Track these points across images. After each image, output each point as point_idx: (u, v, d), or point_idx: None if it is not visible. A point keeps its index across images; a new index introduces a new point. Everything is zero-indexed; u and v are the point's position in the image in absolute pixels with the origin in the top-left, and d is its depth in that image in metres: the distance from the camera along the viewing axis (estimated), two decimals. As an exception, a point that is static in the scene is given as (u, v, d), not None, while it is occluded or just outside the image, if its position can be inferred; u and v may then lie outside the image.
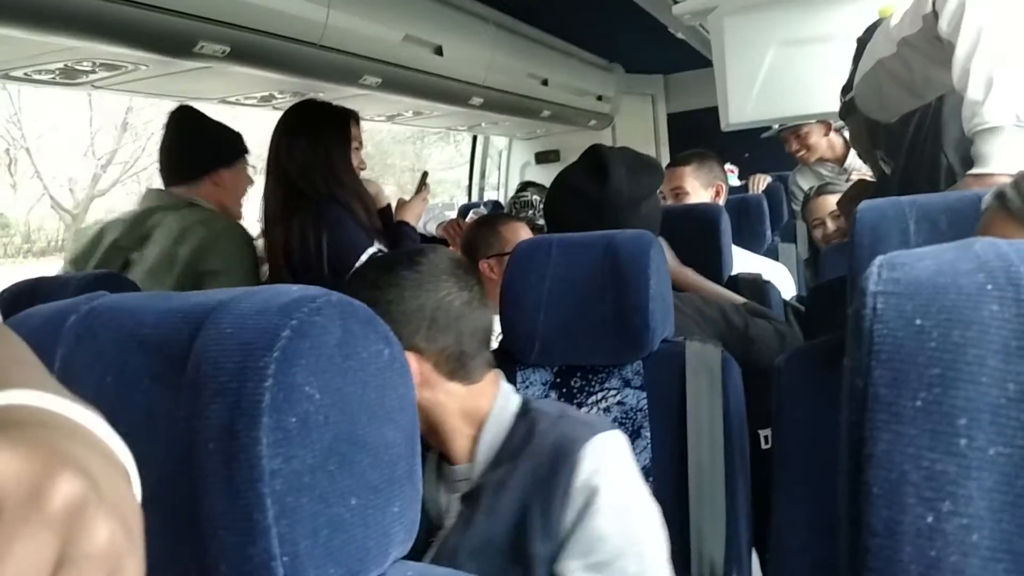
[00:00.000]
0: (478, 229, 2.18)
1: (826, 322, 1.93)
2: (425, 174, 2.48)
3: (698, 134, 5.34)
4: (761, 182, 3.77)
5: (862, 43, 1.75)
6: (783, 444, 1.14)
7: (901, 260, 0.41)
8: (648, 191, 1.59)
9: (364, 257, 2.02)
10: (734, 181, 4.02)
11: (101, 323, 0.46)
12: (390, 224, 2.29)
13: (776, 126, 3.30)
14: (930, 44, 1.37)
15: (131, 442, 0.43)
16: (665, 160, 5.48)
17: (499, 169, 5.34)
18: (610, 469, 0.98)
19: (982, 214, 0.88)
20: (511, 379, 1.30)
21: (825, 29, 2.03)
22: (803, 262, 3.02)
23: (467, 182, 5.42)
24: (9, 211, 18.74)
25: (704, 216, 1.95)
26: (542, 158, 5.40)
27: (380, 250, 2.07)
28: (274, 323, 0.41)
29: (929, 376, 0.38)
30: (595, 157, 1.61)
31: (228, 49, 1.95)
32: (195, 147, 2.10)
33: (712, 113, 5.19)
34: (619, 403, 1.26)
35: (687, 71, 5.11)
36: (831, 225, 2.83)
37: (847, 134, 3.16)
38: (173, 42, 1.85)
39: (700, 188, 2.35)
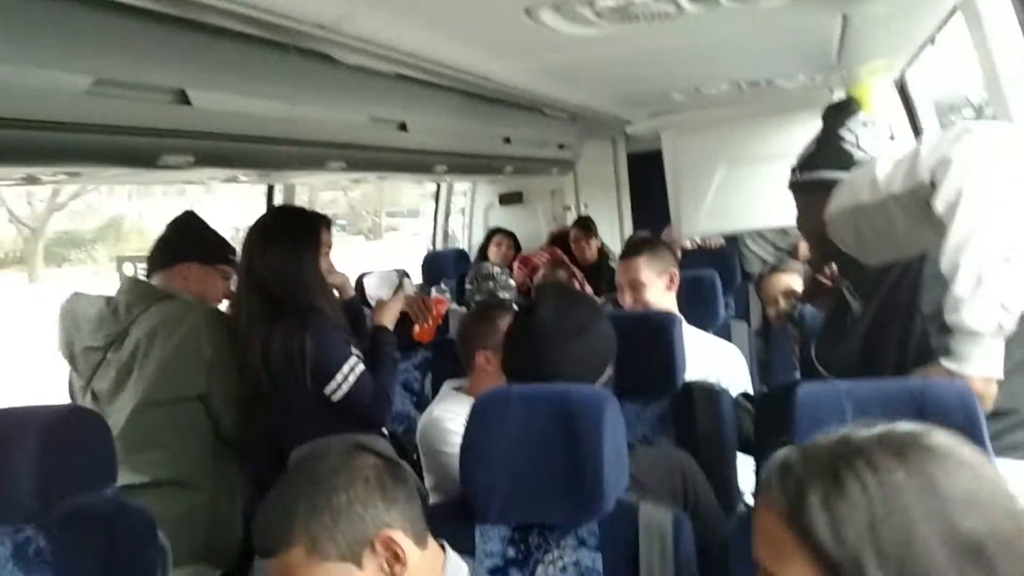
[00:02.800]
0: (475, 320, 2.24)
1: (774, 429, 2.00)
2: (403, 274, 2.53)
3: (657, 174, 5.46)
4: (716, 241, 3.87)
5: (828, 119, 1.74)
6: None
7: None
8: (579, 326, 1.60)
9: (345, 368, 2.07)
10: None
11: None
12: (358, 315, 2.34)
13: None
14: (920, 208, 1.35)
15: None
16: (626, 201, 5.62)
17: (463, 212, 5.39)
18: None
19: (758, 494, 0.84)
20: (469, 534, 1.35)
21: (773, 148, 2.11)
22: (755, 333, 3.11)
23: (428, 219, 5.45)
24: (-37, 223, 18.34)
25: (657, 325, 2.00)
26: (506, 200, 5.47)
27: (359, 357, 2.12)
28: None
29: None
30: (533, 298, 1.68)
31: (193, 159, 1.96)
32: (175, 237, 2.26)
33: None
34: (575, 563, 1.31)
35: (647, 113, 5.22)
36: (783, 303, 2.92)
37: None
38: (136, 159, 1.86)
39: (655, 277, 2.42)
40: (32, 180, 1.98)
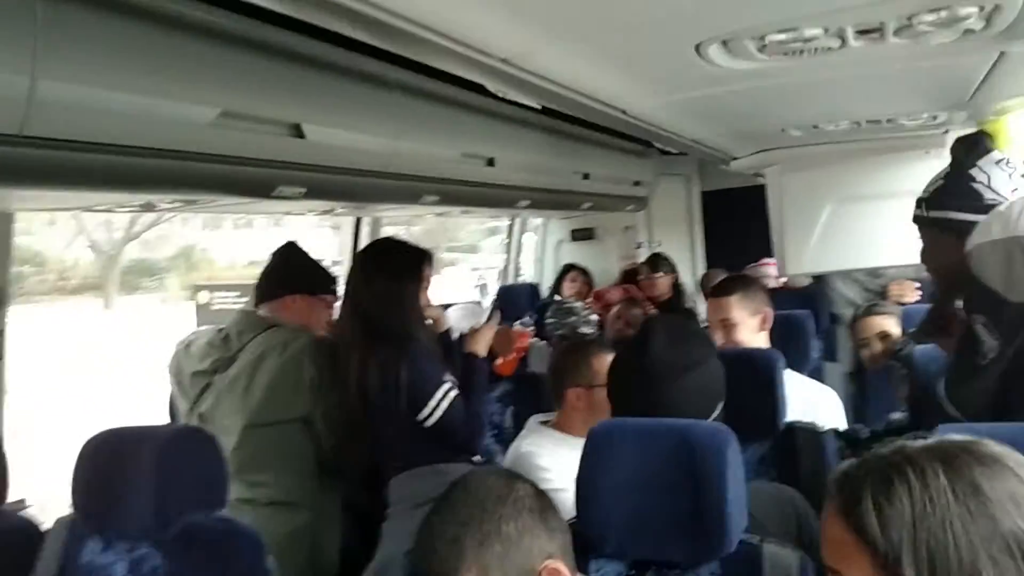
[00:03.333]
0: (568, 357, 2.23)
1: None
2: (495, 304, 2.57)
3: (731, 212, 5.42)
4: (800, 281, 3.80)
5: (958, 155, 1.66)
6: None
7: None
8: (693, 362, 1.58)
9: (438, 394, 2.09)
10: (774, 273, 4.05)
11: None
12: (451, 347, 2.37)
13: None
14: None
15: None
16: (700, 239, 5.58)
17: (536, 247, 5.42)
18: None
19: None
20: (583, 567, 1.33)
21: (883, 187, 2.07)
22: (847, 375, 3.03)
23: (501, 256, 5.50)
24: (46, 249, 19.14)
25: (760, 363, 1.97)
26: (578, 235, 5.49)
27: (453, 383, 2.14)
28: None
29: None
30: (642, 328, 1.66)
31: (305, 190, 2.02)
32: (280, 269, 2.35)
33: (744, 192, 5.26)
34: (696, 603, 1.28)
35: (722, 151, 5.19)
36: (878, 346, 2.85)
37: None
38: (255, 189, 1.93)
39: (747, 317, 2.35)
40: (149, 207, 2.07)
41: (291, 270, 2.33)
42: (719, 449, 1.29)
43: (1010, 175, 1.57)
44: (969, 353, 1.58)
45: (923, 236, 1.76)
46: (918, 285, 3.28)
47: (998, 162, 1.60)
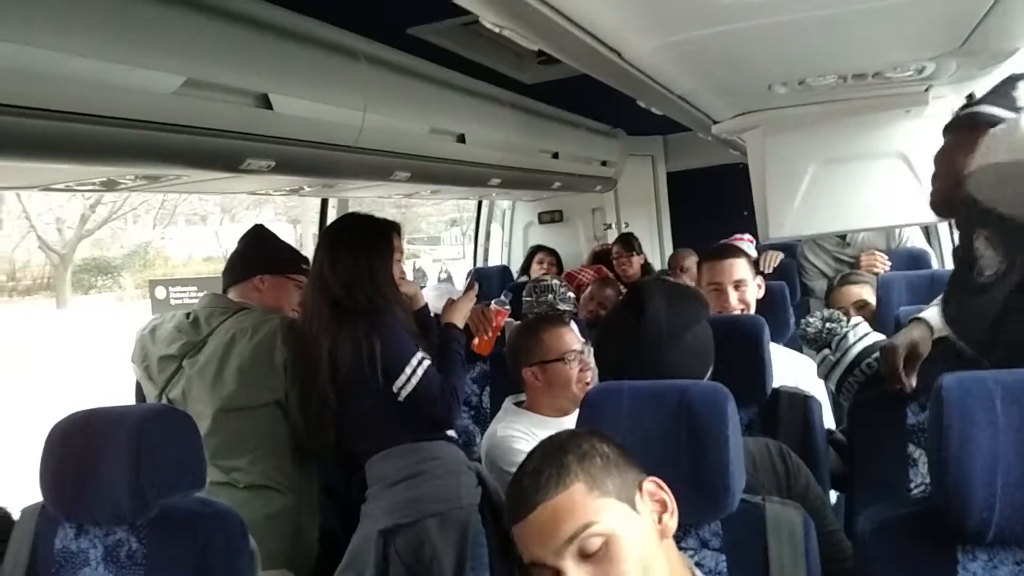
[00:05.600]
0: (521, 336, 2.20)
1: (870, 440, 1.94)
2: (472, 274, 2.50)
3: (696, 192, 5.43)
4: (774, 259, 3.79)
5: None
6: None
7: None
8: (689, 322, 1.56)
9: (413, 362, 2.03)
10: (751, 251, 4.05)
11: None
12: (428, 324, 2.31)
13: None
14: None
15: None
16: (666, 218, 5.57)
17: (503, 229, 5.37)
18: None
19: None
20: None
21: (866, 148, 2.06)
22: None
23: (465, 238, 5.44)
24: (-5, 249, 18.58)
25: (746, 328, 1.95)
26: (546, 218, 5.45)
27: (424, 356, 2.09)
28: None
29: None
30: (633, 293, 1.62)
31: (273, 163, 1.96)
32: (247, 251, 2.29)
33: (709, 172, 5.25)
34: (697, 564, 1.25)
35: (686, 132, 5.16)
36: (854, 315, 2.85)
37: None
38: (222, 162, 1.86)
39: (751, 278, 2.37)
40: (110, 185, 1.98)
41: (259, 250, 2.27)
42: (719, 408, 1.26)
43: None
44: (966, 269, 1.54)
45: (946, 141, 1.70)
46: (887, 256, 3.32)
47: None
